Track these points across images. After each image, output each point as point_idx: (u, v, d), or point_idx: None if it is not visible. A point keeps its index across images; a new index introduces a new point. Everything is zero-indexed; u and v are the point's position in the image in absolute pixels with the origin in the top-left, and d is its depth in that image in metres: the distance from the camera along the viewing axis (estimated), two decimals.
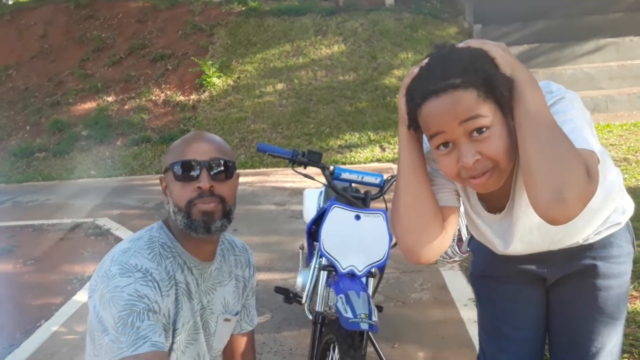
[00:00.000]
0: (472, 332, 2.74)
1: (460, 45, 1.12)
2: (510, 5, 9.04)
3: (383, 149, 6.58)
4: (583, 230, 1.33)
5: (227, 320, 1.59)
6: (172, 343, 1.39)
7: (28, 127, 8.24)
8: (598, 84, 7.50)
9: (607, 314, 1.38)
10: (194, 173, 1.36)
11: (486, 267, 1.50)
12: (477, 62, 1.05)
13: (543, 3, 8.98)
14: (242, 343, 1.72)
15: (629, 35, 7.94)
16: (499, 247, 1.37)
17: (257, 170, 6.46)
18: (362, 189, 2.35)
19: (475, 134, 1.05)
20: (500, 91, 1.06)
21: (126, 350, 1.22)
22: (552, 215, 1.03)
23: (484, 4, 9.16)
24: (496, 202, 1.30)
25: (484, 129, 1.05)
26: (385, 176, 2.24)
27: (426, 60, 1.12)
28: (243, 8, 9.73)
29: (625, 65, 7.60)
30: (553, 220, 1.03)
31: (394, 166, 6.06)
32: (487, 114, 1.05)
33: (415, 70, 1.13)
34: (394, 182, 2.23)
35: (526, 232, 1.30)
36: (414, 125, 1.14)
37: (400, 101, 1.18)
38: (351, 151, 6.60)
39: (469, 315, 2.90)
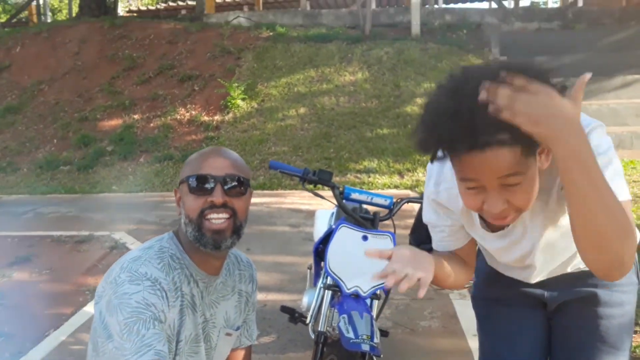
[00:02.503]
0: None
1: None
2: (537, 38, 9.04)
3: (402, 176, 6.56)
4: None
5: (228, 334, 1.59)
6: (175, 355, 1.39)
7: (55, 141, 8.45)
8: (623, 120, 7.39)
9: (608, 344, 1.35)
10: (208, 187, 1.38)
11: (488, 289, 1.48)
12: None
13: (570, 38, 8.95)
14: (239, 358, 1.71)
15: None
16: (503, 258, 1.35)
17: (274, 191, 6.49)
18: (372, 210, 2.34)
19: (508, 185, 1.04)
20: (539, 146, 1.03)
21: (130, 357, 1.23)
22: (612, 277, 1.05)
23: (511, 36, 9.17)
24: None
25: (517, 184, 1.04)
26: (394, 198, 2.23)
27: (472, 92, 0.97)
28: (271, 33, 9.92)
29: None
30: (612, 279, 1.06)
31: (412, 193, 6.03)
32: (525, 170, 1.03)
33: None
34: (404, 204, 2.22)
35: (530, 251, 1.29)
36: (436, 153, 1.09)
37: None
38: (369, 177, 6.60)
39: (478, 346, 2.83)
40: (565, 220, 1.19)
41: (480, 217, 1.30)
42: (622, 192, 1.08)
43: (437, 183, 1.31)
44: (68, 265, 4.34)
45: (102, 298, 1.34)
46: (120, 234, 5.02)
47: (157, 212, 5.81)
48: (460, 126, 0.97)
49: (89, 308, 3.49)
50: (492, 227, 1.30)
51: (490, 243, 1.32)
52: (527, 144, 0.99)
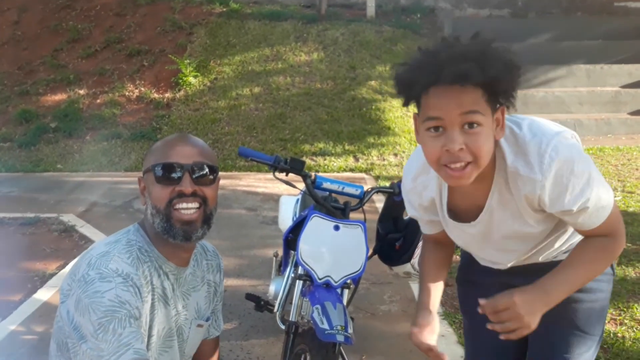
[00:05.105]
0: (438, 346, 2.74)
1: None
2: (488, 25, 9.20)
3: (357, 159, 6.60)
4: (559, 247, 1.42)
5: (199, 326, 1.58)
6: (147, 350, 1.35)
7: None
8: (568, 107, 7.70)
9: (575, 326, 1.43)
10: (175, 175, 1.34)
11: (469, 272, 1.56)
12: (494, 63, 1.13)
13: (520, 25, 9.18)
14: (209, 349, 1.71)
15: (600, 62, 8.18)
16: (475, 250, 1.47)
17: (229, 173, 6.39)
18: (342, 200, 2.34)
19: (467, 127, 1.15)
20: (497, 98, 1.18)
21: (108, 358, 1.18)
22: None
23: (463, 21, 9.32)
24: (464, 214, 1.37)
25: (476, 125, 1.15)
26: (365, 188, 2.23)
27: (445, 41, 1.20)
28: (224, 9, 9.65)
29: (595, 92, 7.82)
30: None
31: (367, 177, 6.08)
32: (485, 113, 1.16)
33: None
34: (374, 194, 2.23)
35: (500, 241, 1.38)
36: (411, 101, 1.22)
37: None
38: (325, 159, 6.60)
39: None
40: (529, 228, 1.32)
41: (449, 210, 1.38)
42: (607, 199, 1.21)
43: (415, 178, 1.43)
44: (13, 249, 4.13)
45: (68, 297, 1.28)
46: (68, 216, 4.82)
47: (107, 193, 5.61)
48: (438, 61, 1.13)
49: (40, 295, 3.35)
50: (459, 218, 1.38)
51: (461, 231, 1.40)
52: (488, 90, 1.14)
